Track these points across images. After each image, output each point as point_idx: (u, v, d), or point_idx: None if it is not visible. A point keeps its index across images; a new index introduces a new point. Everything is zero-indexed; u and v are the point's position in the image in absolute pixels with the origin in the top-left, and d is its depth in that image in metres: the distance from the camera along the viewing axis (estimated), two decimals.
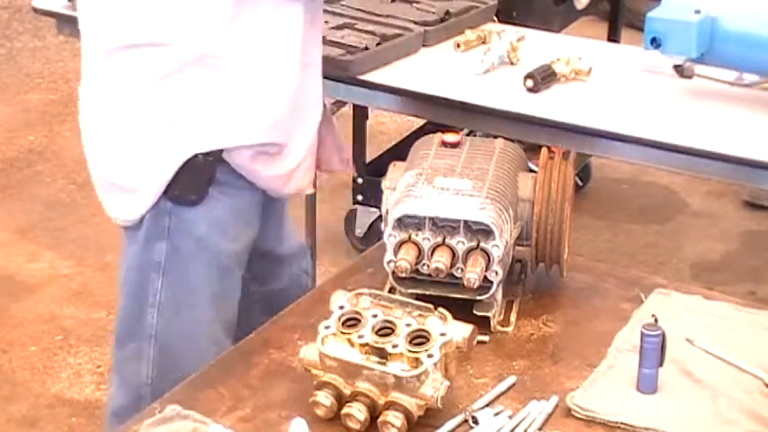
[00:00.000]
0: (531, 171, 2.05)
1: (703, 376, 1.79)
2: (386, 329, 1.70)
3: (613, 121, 2.72)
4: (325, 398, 1.68)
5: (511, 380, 1.80)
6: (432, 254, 1.88)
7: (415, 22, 3.19)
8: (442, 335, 1.68)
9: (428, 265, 1.88)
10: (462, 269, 1.87)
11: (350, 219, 4.17)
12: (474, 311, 1.91)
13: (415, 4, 3.34)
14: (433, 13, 3.27)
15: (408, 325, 1.70)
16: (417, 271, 1.90)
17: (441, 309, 1.73)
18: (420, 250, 1.88)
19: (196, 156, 2.00)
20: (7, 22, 6.14)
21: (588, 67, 2.94)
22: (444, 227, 1.88)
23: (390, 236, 1.89)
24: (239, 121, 2.03)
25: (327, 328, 1.71)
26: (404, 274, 1.88)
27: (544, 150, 2.03)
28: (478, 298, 1.90)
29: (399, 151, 3.11)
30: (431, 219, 1.88)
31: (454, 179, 1.93)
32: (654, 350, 1.74)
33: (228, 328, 2.13)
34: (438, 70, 3.03)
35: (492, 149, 2.03)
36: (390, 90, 2.95)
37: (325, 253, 4.04)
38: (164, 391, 2.01)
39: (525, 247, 2.01)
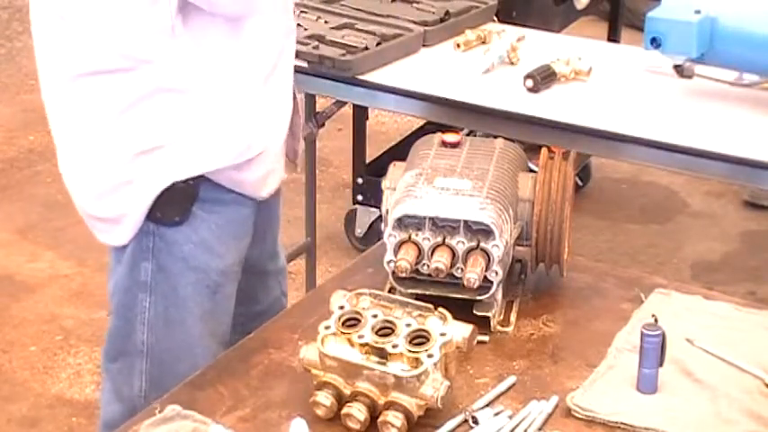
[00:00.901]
0: (531, 171, 2.05)
1: (703, 376, 1.79)
2: (386, 329, 1.70)
3: (613, 121, 2.72)
4: (325, 398, 1.68)
5: (511, 380, 1.80)
6: (432, 254, 1.88)
7: (415, 22, 3.19)
8: (442, 335, 1.68)
9: (428, 265, 1.88)
10: (462, 269, 1.87)
11: (350, 219, 4.17)
12: (474, 311, 1.91)
13: (415, 4, 3.34)
14: (433, 13, 3.27)
15: (408, 325, 1.70)
16: (417, 271, 1.90)
17: (441, 309, 1.73)
18: (420, 250, 1.88)
19: (175, 182, 1.97)
20: (7, 22, 6.14)
21: (588, 67, 2.94)
22: (444, 227, 1.88)
23: (390, 236, 1.89)
24: (214, 144, 1.98)
25: (327, 328, 1.71)
26: (404, 274, 1.88)
27: (544, 150, 2.03)
28: (478, 298, 1.90)
29: (399, 151, 3.12)
30: (431, 219, 1.88)
31: (454, 179, 1.93)
32: (654, 350, 1.74)
33: (223, 341, 2.10)
34: (438, 70, 3.03)
35: (492, 149, 2.03)
36: (390, 90, 2.95)
37: (326, 253, 4.04)
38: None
39: (525, 247, 2.01)
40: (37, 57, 2.02)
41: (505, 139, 2.10)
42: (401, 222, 1.89)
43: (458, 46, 3.15)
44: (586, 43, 3.29)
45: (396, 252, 1.89)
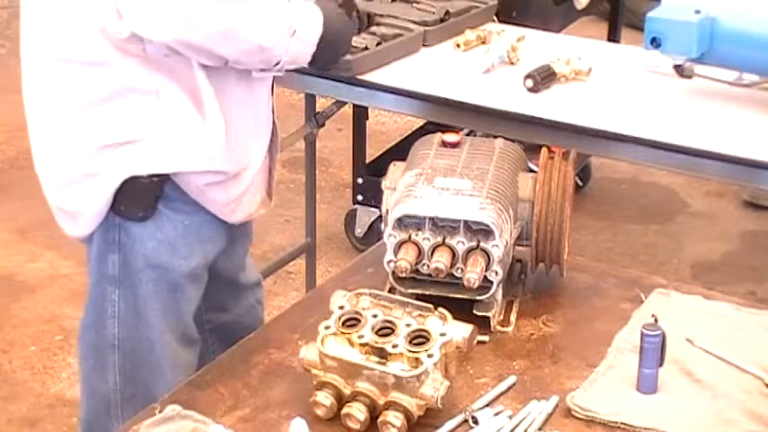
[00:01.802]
0: (531, 171, 2.05)
1: (703, 376, 1.79)
2: (386, 329, 1.70)
3: (613, 121, 2.72)
4: (325, 398, 1.68)
5: (511, 380, 1.80)
6: (432, 254, 1.88)
7: (415, 22, 3.19)
8: (442, 335, 1.68)
9: (428, 265, 1.88)
10: (462, 269, 1.87)
11: (350, 219, 4.16)
12: (474, 311, 1.91)
13: (414, 4, 3.34)
14: (433, 13, 3.27)
15: (408, 325, 1.70)
16: (417, 271, 1.90)
17: (441, 309, 1.73)
18: (420, 250, 1.88)
19: (137, 177, 1.96)
20: (7, 21, 6.14)
21: (588, 67, 2.94)
22: (444, 227, 1.88)
23: (390, 236, 1.89)
24: (179, 147, 1.97)
25: (327, 328, 1.71)
26: (404, 274, 1.88)
27: (544, 150, 2.03)
28: (478, 298, 1.90)
29: (399, 151, 3.12)
30: (431, 219, 1.88)
31: (454, 179, 1.93)
32: (654, 350, 1.74)
33: (184, 339, 2.10)
34: (438, 70, 3.02)
35: (492, 149, 2.03)
36: (390, 90, 2.95)
37: (326, 253, 4.04)
38: (132, 396, 2.01)
39: (525, 247, 2.01)
40: (21, 38, 2.03)
41: (505, 139, 2.10)
42: (401, 222, 1.89)
43: (458, 46, 3.14)
44: (586, 43, 3.29)
45: (396, 252, 1.89)
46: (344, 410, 1.67)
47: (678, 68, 2.77)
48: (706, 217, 4.45)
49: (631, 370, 1.78)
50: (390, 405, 1.65)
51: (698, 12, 2.63)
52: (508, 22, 3.40)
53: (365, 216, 4.09)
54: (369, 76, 2.96)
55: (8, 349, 3.59)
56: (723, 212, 4.48)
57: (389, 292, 1.90)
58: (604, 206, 4.50)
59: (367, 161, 4.11)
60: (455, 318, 1.73)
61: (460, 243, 1.87)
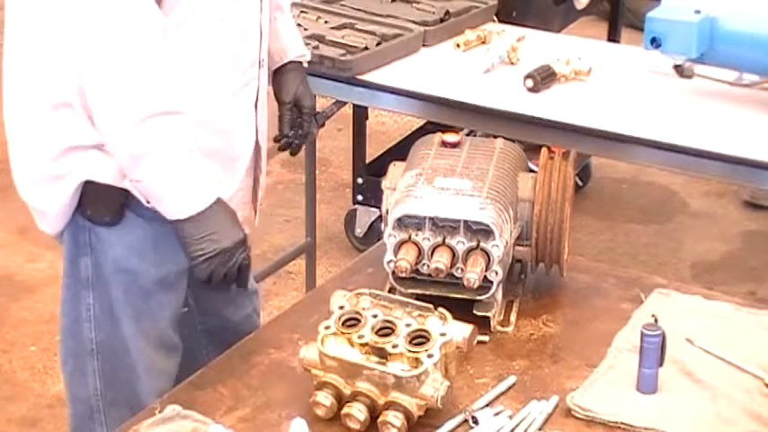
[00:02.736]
0: (531, 171, 2.05)
1: (703, 376, 1.79)
2: (386, 329, 1.70)
3: (613, 121, 2.72)
4: (325, 398, 1.68)
5: (511, 380, 1.80)
6: (432, 254, 1.88)
7: (415, 22, 3.19)
8: (442, 335, 1.68)
9: (428, 265, 1.88)
10: (462, 269, 1.87)
11: (350, 219, 4.16)
12: (474, 311, 1.91)
13: (414, 4, 3.34)
14: (433, 13, 3.27)
15: (408, 325, 1.70)
16: (417, 271, 1.90)
17: (441, 309, 1.73)
18: (420, 250, 1.88)
19: (98, 182, 1.93)
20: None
21: (588, 67, 2.94)
22: (444, 227, 1.88)
23: (390, 236, 1.89)
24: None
25: (327, 328, 1.71)
26: (404, 274, 1.88)
27: (544, 150, 2.03)
28: (478, 298, 1.90)
29: (399, 151, 3.11)
30: (431, 219, 1.88)
31: (454, 179, 1.93)
32: (654, 350, 1.74)
33: (159, 344, 2.06)
34: (438, 70, 3.03)
35: (492, 149, 2.03)
36: (390, 90, 2.95)
37: (326, 253, 4.03)
38: (114, 402, 1.99)
39: (525, 247, 2.01)
40: (5, 35, 1.98)
41: (505, 139, 2.10)
42: (401, 222, 1.89)
43: (458, 46, 3.14)
44: (586, 43, 3.29)
45: (396, 252, 1.89)
46: (344, 410, 1.67)
47: (678, 68, 2.77)
48: (706, 217, 4.45)
49: (631, 370, 1.78)
50: (390, 405, 1.65)
51: (698, 12, 2.64)
52: (508, 22, 3.40)
53: (365, 216, 4.09)
54: (369, 76, 2.96)
55: (8, 349, 3.59)
56: (723, 212, 4.47)
57: (389, 292, 1.90)
58: (604, 206, 4.49)
59: (367, 161, 4.11)
60: (455, 318, 1.73)
61: (460, 243, 1.87)
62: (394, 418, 1.64)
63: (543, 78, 2.85)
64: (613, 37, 4.45)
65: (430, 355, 1.65)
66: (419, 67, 3.04)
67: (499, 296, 1.95)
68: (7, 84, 2.00)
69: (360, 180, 4.08)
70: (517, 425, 1.69)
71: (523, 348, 1.90)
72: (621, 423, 1.70)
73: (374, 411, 1.67)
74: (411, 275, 1.90)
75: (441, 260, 1.86)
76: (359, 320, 1.72)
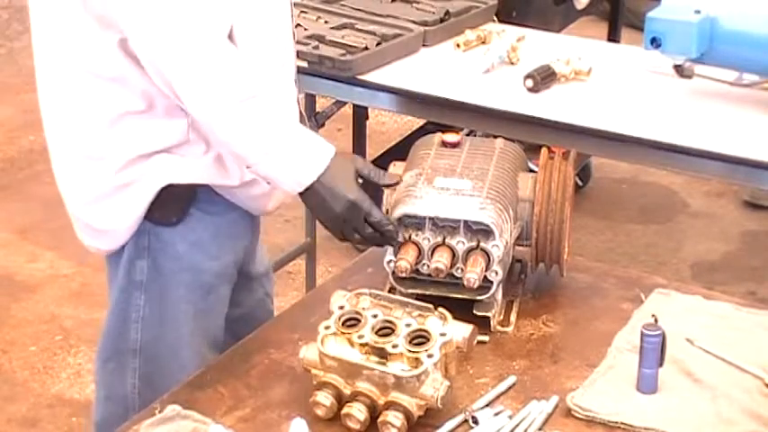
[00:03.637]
0: (531, 171, 2.05)
1: (703, 376, 1.79)
2: (386, 329, 1.70)
3: (613, 121, 2.72)
4: (325, 398, 1.68)
5: (511, 380, 1.80)
6: (432, 254, 1.88)
7: (415, 22, 3.19)
8: (442, 335, 1.68)
9: (428, 265, 1.88)
10: (462, 269, 1.87)
11: None
12: (474, 311, 1.91)
13: (415, 4, 3.34)
14: (433, 13, 3.27)
15: (408, 325, 1.70)
16: (417, 271, 1.90)
17: (441, 309, 1.73)
18: (420, 250, 1.88)
19: (173, 184, 1.94)
20: (7, 22, 6.14)
21: (588, 67, 2.94)
22: (444, 227, 1.88)
23: None
24: (210, 163, 1.95)
25: (327, 328, 1.71)
26: (404, 274, 1.88)
27: (544, 150, 2.03)
28: (478, 298, 1.90)
29: (399, 151, 3.11)
30: (431, 219, 1.88)
31: (454, 179, 1.93)
32: (654, 350, 1.74)
33: (213, 342, 2.09)
34: (438, 70, 3.03)
35: (492, 149, 2.03)
36: (390, 90, 2.95)
37: (326, 253, 4.03)
38: (151, 401, 2.00)
39: (525, 247, 2.01)
40: (35, 52, 1.98)
41: (505, 139, 2.10)
42: (401, 222, 1.89)
43: (458, 46, 3.14)
44: (586, 43, 3.29)
45: (396, 252, 1.89)
46: (344, 410, 1.67)
47: (678, 68, 2.77)
48: (706, 217, 4.45)
49: (631, 370, 1.78)
50: (390, 405, 1.65)
51: (698, 12, 2.63)
52: (508, 22, 3.40)
53: None
54: (369, 76, 2.96)
55: (8, 349, 3.60)
56: (723, 212, 4.48)
57: (389, 292, 1.90)
58: (604, 206, 4.50)
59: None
60: (455, 318, 1.73)
61: (460, 243, 1.87)
62: (394, 418, 1.64)
63: (543, 78, 2.86)
64: (613, 37, 4.45)
65: (430, 355, 1.65)
66: (419, 67, 3.04)
67: (499, 296, 1.95)
68: (52, 103, 1.97)
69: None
70: (517, 425, 1.69)
71: (523, 348, 1.90)
72: (621, 423, 1.70)
73: (374, 411, 1.67)
74: (411, 275, 1.90)
75: (441, 260, 1.86)
76: (359, 320, 1.72)
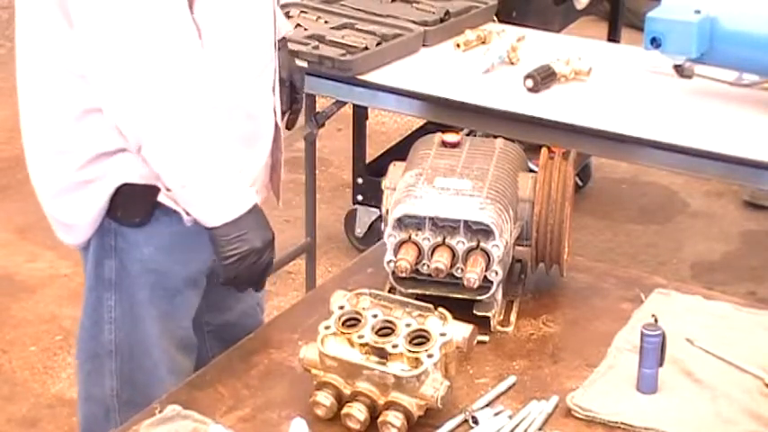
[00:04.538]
0: (531, 171, 2.05)
1: (703, 376, 1.79)
2: (386, 329, 1.70)
3: (613, 121, 2.72)
4: (325, 398, 1.68)
5: (511, 380, 1.80)
6: (432, 254, 1.88)
7: (415, 22, 3.19)
8: (442, 335, 1.68)
9: (428, 265, 1.88)
10: (462, 269, 1.87)
11: (350, 219, 4.16)
12: (474, 311, 1.91)
13: (415, 4, 3.34)
14: (433, 13, 3.28)
15: (408, 325, 1.70)
16: (417, 271, 1.90)
17: (441, 309, 1.73)
18: (420, 250, 1.88)
19: (132, 183, 1.92)
20: (7, 22, 6.13)
21: (588, 67, 2.94)
22: (444, 227, 1.88)
23: (390, 236, 1.89)
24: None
25: (327, 328, 1.71)
26: (404, 274, 1.88)
27: (544, 150, 2.03)
28: (478, 298, 1.90)
29: (399, 151, 3.12)
30: (431, 219, 1.88)
31: (454, 179, 1.93)
32: (654, 350, 1.74)
33: (180, 343, 2.07)
34: (438, 70, 3.03)
35: (492, 149, 2.03)
36: (390, 90, 2.95)
37: (326, 253, 4.04)
38: (130, 401, 1.99)
39: (525, 247, 2.01)
40: (16, 44, 1.97)
41: (505, 139, 2.10)
42: (401, 222, 1.89)
43: (458, 46, 3.15)
44: (586, 43, 3.29)
45: (396, 252, 1.89)
46: (344, 410, 1.67)
47: (678, 68, 2.77)
48: (706, 217, 4.45)
49: (631, 370, 1.78)
50: (390, 405, 1.65)
51: (698, 12, 2.64)
52: (508, 22, 3.40)
53: (365, 216, 4.09)
54: (369, 76, 2.96)
55: (8, 349, 3.59)
56: (723, 212, 4.48)
57: (389, 292, 1.90)
58: (604, 206, 4.50)
59: (367, 161, 4.11)
60: (455, 318, 1.73)
61: (460, 243, 1.87)
62: (394, 418, 1.64)
63: (543, 78, 2.86)
64: (613, 37, 4.45)
65: (430, 355, 1.65)
66: (419, 67, 3.04)
67: (499, 296, 1.95)
68: (25, 96, 1.98)
69: (360, 180, 4.08)
70: (517, 425, 1.69)
71: (523, 348, 1.90)
72: (621, 423, 1.70)
73: (374, 411, 1.67)
74: (411, 275, 1.90)
75: (441, 260, 1.86)
76: (359, 320, 1.72)
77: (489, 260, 1.87)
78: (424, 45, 3.15)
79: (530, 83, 2.85)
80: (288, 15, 3.22)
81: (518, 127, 2.80)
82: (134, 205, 1.95)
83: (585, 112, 2.77)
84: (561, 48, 3.09)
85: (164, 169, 1.85)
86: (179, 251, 1.99)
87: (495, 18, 3.38)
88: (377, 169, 3.87)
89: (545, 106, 2.80)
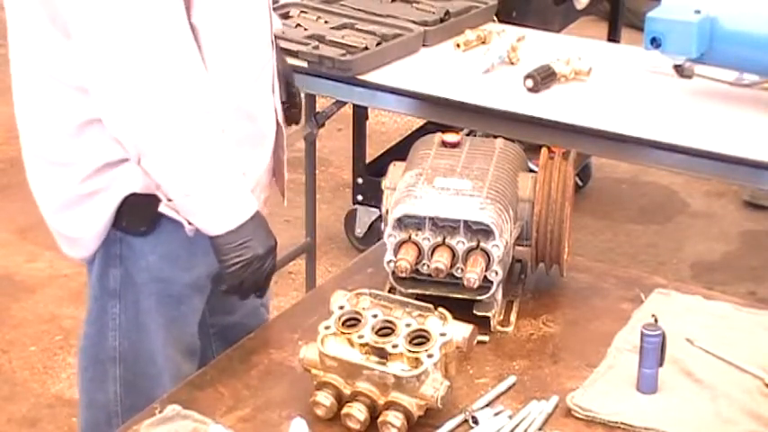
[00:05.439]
0: (531, 171, 2.05)
1: (703, 376, 1.79)
2: (386, 329, 1.70)
3: (613, 121, 2.72)
4: (325, 398, 1.68)
5: (511, 380, 1.80)
6: (432, 254, 1.88)
7: (415, 22, 3.19)
8: (442, 335, 1.68)
9: (428, 265, 1.88)
10: (462, 269, 1.87)
11: (350, 219, 4.17)
12: (474, 311, 1.91)
13: (415, 4, 3.34)
14: (433, 13, 3.28)
15: (408, 325, 1.70)
16: (417, 271, 1.90)
17: (441, 309, 1.73)
18: (420, 250, 1.88)
19: (137, 193, 1.91)
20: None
21: (588, 67, 2.94)
22: (444, 227, 1.88)
23: (390, 236, 1.89)
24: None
25: (327, 328, 1.71)
26: (404, 274, 1.88)
27: (544, 150, 2.03)
28: (478, 298, 1.90)
29: (399, 151, 3.12)
30: (431, 219, 1.88)
31: (454, 179, 1.93)
32: (654, 350, 1.74)
33: (186, 349, 2.07)
34: (438, 70, 3.03)
35: (492, 149, 2.03)
36: (390, 90, 2.95)
37: (326, 253, 4.04)
38: (133, 407, 1.99)
39: (525, 247, 2.01)
40: (10, 58, 1.96)
41: (505, 139, 2.10)
42: (401, 222, 1.89)
43: (458, 46, 3.14)
44: (586, 43, 3.29)
45: (396, 252, 1.89)
46: (344, 410, 1.67)
47: (678, 68, 2.77)
48: (706, 217, 4.45)
49: (631, 370, 1.78)
50: (390, 405, 1.65)
51: (698, 12, 2.64)
52: (508, 22, 3.40)
53: (365, 216, 4.09)
54: (369, 76, 2.96)
55: (8, 349, 3.59)
56: (723, 212, 4.48)
57: (389, 292, 1.90)
58: (604, 206, 4.50)
59: (367, 161, 4.11)
60: (455, 318, 1.73)
61: (460, 243, 1.87)
62: (394, 418, 1.64)
63: (543, 78, 2.86)
64: (613, 37, 4.46)
65: (430, 355, 1.65)
66: (419, 67, 3.04)
67: (499, 296, 1.95)
68: (22, 109, 1.97)
69: (360, 180, 4.08)
70: (517, 425, 1.69)
71: (523, 348, 1.90)
72: (621, 423, 1.70)
73: (374, 411, 1.67)
74: (411, 275, 1.90)
75: (441, 260, 1.86)
76: (359, 320, 1.72)
77: (489, 260, 1.87)
78: (424, 45, 3.15)
79: (530, 83, 2.85)
80: (288, 15, 3.22)
81: (518, 127, 2.80)
82: (139, 214, 1.94)
83: (585, 112, 2.77)
84: (561, 48, 3.09)
85: (165, 180, 1.86)
86: (184, 258, 1.99)
87: (495, 18, 3.38)
88: (377, 169, 3.87)
89: (545, 106, 2.80)
